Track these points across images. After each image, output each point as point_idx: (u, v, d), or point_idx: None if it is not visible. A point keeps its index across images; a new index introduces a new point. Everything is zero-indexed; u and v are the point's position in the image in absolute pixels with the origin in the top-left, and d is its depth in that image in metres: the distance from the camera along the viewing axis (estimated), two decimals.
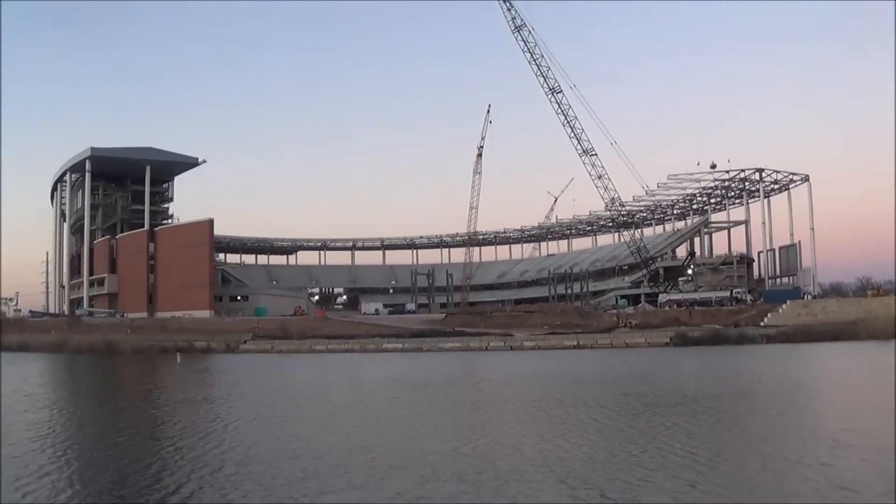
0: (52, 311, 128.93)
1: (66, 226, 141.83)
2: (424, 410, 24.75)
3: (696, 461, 14.71)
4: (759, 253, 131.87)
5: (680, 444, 16.75)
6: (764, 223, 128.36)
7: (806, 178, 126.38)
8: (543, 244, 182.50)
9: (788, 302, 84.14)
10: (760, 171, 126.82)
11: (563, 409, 23.77)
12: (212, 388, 35.26)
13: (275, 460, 16.00)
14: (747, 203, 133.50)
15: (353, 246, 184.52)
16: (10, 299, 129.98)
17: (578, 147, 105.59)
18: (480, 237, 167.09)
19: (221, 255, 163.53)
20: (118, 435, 19.94)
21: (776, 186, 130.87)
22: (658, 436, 17.80)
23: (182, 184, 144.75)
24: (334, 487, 13.55)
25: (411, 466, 15.25)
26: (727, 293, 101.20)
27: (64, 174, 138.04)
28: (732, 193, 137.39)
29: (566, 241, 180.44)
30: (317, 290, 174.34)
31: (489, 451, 16.70)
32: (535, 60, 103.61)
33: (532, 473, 14.31)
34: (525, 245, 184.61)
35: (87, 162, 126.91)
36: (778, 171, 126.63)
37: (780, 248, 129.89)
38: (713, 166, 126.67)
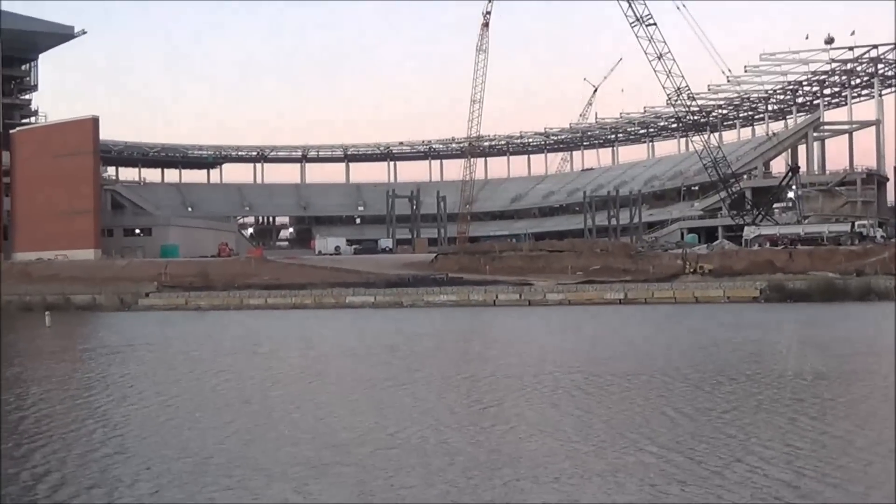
0: None
1: None
2: (358, 388, 25.95)
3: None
4: (895, 168, 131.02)
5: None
6: None
7: None
8: (576, 154, 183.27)
9: None
10: None
11: (552, 393, 24.20)
12: (67, 363, 35.18)
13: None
14: (880, 95, 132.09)
15: (304, 156, 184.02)
16: None
17: (629, 13, 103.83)
18: (486, 144, 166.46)
19: (112, 170, 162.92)
20: None
21: None
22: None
23: (51, 65, 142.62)
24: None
25: (312, 463, 15.80)
26: (846, 227, 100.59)
27: None
28: (857, 81, 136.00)
29: (609, 149, 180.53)
30: (251, 219, 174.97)
31: (418, 446, 17.07)
32: None
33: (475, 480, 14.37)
34: (550, 156, 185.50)
35: None
36: None
37: None
38: (829, 41, 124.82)
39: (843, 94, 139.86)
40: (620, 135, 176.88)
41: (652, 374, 26.91)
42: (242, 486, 14.21)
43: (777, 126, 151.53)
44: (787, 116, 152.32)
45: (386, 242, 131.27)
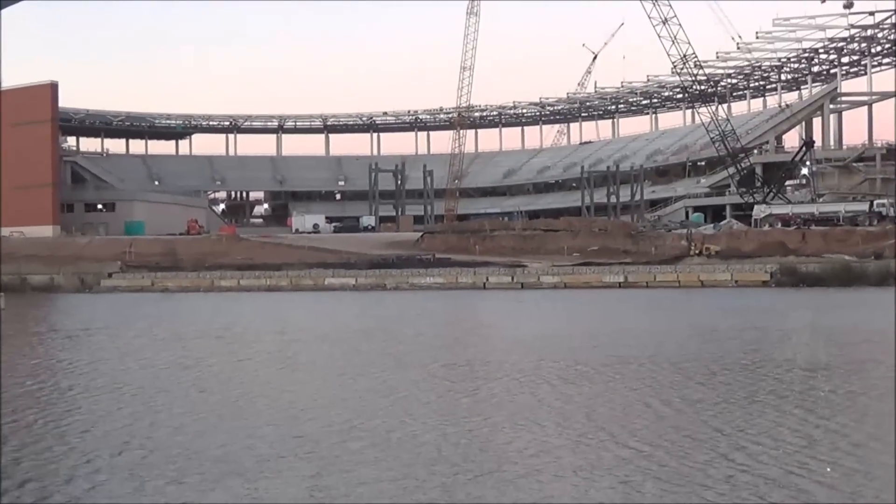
0: None
1: None
2: (327, 376, 26.31)
3: None
4: None
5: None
6: None
7: None
8: (574, 126, 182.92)
9: None
10: None
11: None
12: (15, 348, 35.26)
13: None
14: None
15: (280, 126, 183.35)
16: None
17: None
18: (477, 114, 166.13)
19: (72, 140, 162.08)
20: None
21: None
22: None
23: (5, 26, 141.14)
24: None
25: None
26: (864, 206, 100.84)
27: None
28: (878, 49, 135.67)
29: (609, 121, 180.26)
30: (223, 194, 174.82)
31: (383, 439, 17.09)
32: None
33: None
34: (546, 128, 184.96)
35: None
36: None
37: None
38: (848, 5, 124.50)
39: (863, 62, 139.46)
40: (621, 106, 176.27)
41: (630, 363, 26.98)
42: (190, 481, 14.08)
43: (790, 97, 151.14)
44: (802, 87, 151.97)
45: (368, 220, 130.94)
